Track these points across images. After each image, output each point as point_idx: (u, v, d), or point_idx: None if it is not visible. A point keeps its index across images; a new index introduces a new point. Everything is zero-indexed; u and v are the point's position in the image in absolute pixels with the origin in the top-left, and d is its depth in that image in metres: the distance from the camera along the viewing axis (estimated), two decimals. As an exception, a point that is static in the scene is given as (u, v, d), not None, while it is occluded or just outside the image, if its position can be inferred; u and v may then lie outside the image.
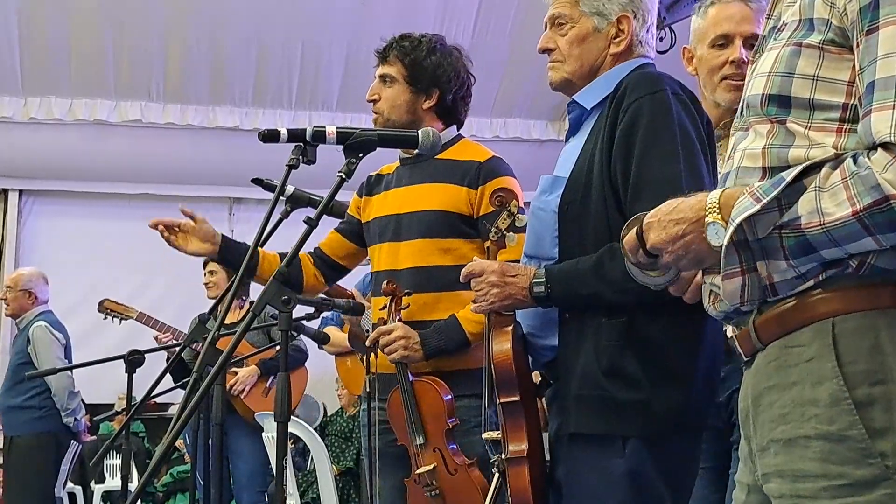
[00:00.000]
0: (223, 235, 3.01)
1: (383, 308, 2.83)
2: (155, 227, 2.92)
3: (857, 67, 1.40)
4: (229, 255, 3.00)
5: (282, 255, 3.08)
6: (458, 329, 2.77)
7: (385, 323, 2.82)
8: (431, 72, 2.95)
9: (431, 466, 2.73)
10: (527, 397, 2.25)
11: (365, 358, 2.97)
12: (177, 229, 2.93)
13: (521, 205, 2.87)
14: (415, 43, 2.97)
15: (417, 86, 2.94)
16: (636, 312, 2.06)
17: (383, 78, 2.97)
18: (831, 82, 1.44)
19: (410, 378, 2.79)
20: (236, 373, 5.29)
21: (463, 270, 2.28)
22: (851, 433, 1.37)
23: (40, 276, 6.72)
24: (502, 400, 2.27)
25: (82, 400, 6.61)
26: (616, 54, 2.27)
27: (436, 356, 2.77)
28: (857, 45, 1.40)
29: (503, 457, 2.24)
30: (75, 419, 6.18)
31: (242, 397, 5.25)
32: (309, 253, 3.13)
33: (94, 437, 6.64)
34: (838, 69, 1.44)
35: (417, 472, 2.75)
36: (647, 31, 2.29)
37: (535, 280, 2.14)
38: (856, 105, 1.41)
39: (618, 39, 2.26)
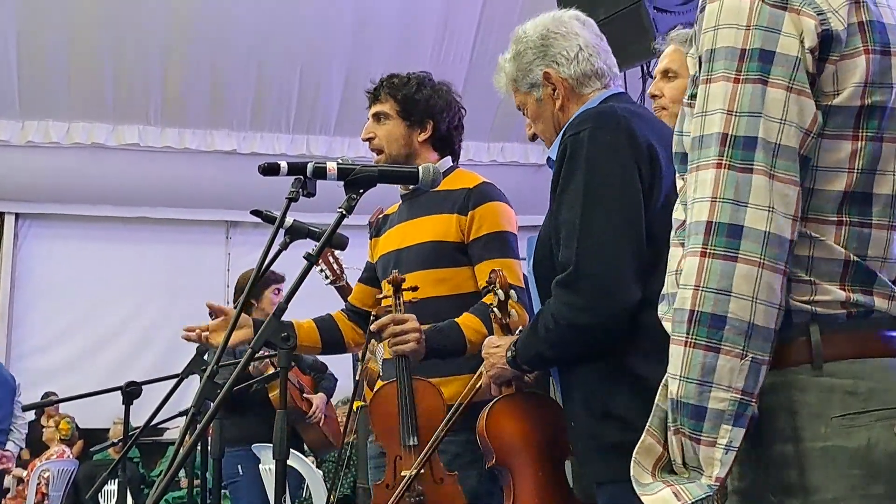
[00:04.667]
0: (253, 319, 3.00)
1: (386, 297, 2.73)
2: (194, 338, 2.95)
3: None
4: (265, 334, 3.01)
5: (317, 322, 3.07)
6: (459, 333, 2.73)
7: (388, 313, 2.70)
8: (424, 104, 2.97)
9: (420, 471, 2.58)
10: (517, 463, 2.29)
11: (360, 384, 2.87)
12: (206, 333, 2.94)
13: (514, 230, 2.89)
14: (404, 80, 3.01)
15: (411, 119, 2.96)
16: (615, 350, 2.02)
17: (377, 116, 2.99)
18: None
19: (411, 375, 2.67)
20: (309, 401, 5.15)
21: None
22: (761, 490, 1.37)
23: None
24: (486, 465, 2.37)
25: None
26: (564, 107, 2.25)
27: (434, 356, 2.71)
28: None
29: None
30: None
31: (321, 425, 5.15)
32: (342, 311, 3.14)
33: (9, 466, 6.54)
34: None
35: (403, 474, 2.58)
36: (583, 61, 2.22)
37: (509, 346, 2.19)
38: None
39: (555, 94, 2.25)
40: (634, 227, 1.98)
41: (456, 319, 2.75)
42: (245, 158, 8.74)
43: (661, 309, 1.58)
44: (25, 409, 5.14)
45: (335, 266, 4.18)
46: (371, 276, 3.12)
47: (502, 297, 2.41)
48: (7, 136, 8.56)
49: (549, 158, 2.26)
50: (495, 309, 2.41)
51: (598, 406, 2.04)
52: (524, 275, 2.68)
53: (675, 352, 1.34)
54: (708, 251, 1.31)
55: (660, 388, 1.41)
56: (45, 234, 9.63)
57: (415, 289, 2.73)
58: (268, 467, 5.11)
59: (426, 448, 2.53)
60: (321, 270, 4.17)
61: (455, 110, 3.04)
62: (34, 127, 8.61)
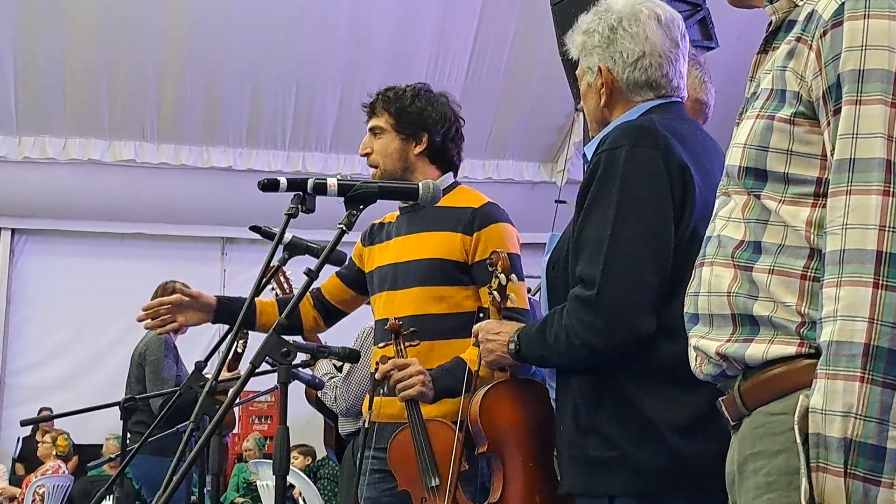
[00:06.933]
0: (217, 297, 3.02)
1: (386, 345, 2.75)
2: (144, 318, 2.92)
3: (829, 147, 1.41)
4: (226, 313, 3.01)
5: (279, 301, 3.07)
6: (466, 371, 2.74)
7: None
8: (417, 116, 2.95)
9: None
10: (508, 449, 2.30)
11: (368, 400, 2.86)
12: (166, 308, 2.93)
13: (518, 251, 2.89)
14: (399, 92, 2.99)
15: (406, 132, 2.95)
16: (610, 367, 2.01)
17: (373, 130, 2.99)
18: (805, 157, 1.45)
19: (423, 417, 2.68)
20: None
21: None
22: None
23: None
24: (477, 451, 2.37)
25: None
26: (609, 105, 2.20)
27: (442, 397, 2.73)
28: (828, 125, 1.41)
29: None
30: None
31: None
32: (310, 294, 3.11)
33: None
34: (809, 143, 1.44)
35: None
36: (640, 69, 2.16)
37: (511, 336, 2.18)
38: (829, 179, 1.42)
39: (602, 90, 2.20)
40: (662, 256, 1.97)
41: (461, 355, 2.75)
42: (241, 175, 8.76)
43: (701, 330, 1.57)
44: (23, 424, 5.12)
45: (285, 285, 4.29)
46: (350, 276, 3.11)
47: (503, 280, 2.41)
48: (3, 151, 8.57)
49: (584, 155, 2.24)
50: (495, 292, 2.41)
51: (585, 419, 2.04)
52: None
53: (848, 388, 1.30)
54: (881, 282, 1.30)
55: (795, 423, 1.36)
56: (41, 250, 9.64)
57: (415, 332, 2.73)
58: (266, 483, 5.11)
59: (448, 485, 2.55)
60: (272, 289, 4.26)
61: (451, 121, 3.00)
62: (30, 143, 8.62)
